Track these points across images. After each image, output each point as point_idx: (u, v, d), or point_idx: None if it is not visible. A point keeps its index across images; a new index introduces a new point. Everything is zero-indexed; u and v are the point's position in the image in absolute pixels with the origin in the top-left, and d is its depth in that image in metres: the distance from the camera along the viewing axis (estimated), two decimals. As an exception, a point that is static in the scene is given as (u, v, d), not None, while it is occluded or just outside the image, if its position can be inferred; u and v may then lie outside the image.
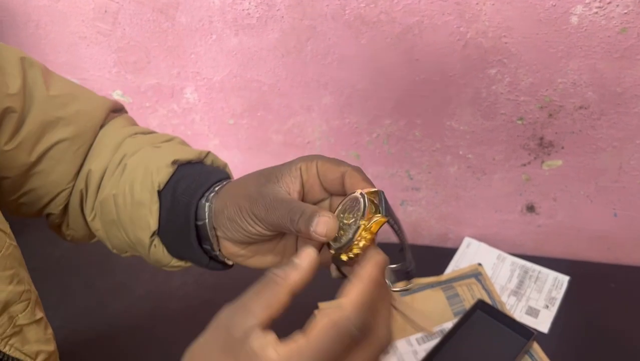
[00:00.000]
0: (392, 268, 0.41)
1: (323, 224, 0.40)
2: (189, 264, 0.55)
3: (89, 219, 0.58)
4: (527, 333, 0.82)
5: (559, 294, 0.91)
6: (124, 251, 0.59)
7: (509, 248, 1.00)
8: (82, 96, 0.59)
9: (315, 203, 0.47)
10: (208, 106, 0.99)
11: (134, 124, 0.62)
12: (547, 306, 0.90)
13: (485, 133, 0.89)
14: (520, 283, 0.94)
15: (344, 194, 0.44)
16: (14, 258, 0.48)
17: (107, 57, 0.97)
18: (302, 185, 0.45)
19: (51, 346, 0.50)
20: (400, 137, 0.93)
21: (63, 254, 1.06)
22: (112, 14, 0.91)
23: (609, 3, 0.72)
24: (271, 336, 0.35)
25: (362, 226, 0.39)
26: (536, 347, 0.83)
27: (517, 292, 0.92)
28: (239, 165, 1.04)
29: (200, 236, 0.50)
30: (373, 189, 0.42)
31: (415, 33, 0.81)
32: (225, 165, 0.57)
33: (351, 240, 0.39)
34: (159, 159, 0.53)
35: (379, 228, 0.40)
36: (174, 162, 0.53)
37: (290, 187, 0.45)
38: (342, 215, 0.42)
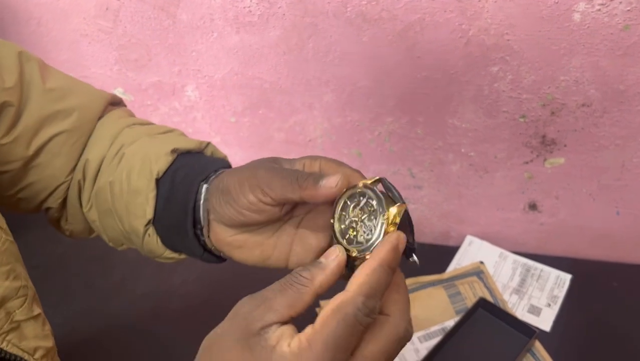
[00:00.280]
0: None
1: (334, 178, 0.40)
2: (182, 256, 0.54)
3: (85, 210, 0.58)
4: (529, 332, 0.82)
5: (561, 293, 0.91)
6: (119, 244, 0.59)
7: (511, 246, 1.00)
8: (79, 89, 0.59)
9: None
10: (209, 104, 0.99)
11: (132, 116, 0.62)
12: (549, 305, 0.90)
13: (487, 131, 0.88)
14: (522, 282, 0.93)
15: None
16: (11, 254, 0.47)
17: (109, 54, 0.97)
18: None
19: (49, 342, 0.49)
20: (402, 135, 0.93)
21: (64, 253, 1.06)
22: (114, 12, 0.91)
23: (612, 0, 0.72)
24: (288, 330, 0.35)
25: (386, 223, 0.38)
26: (538, 345, 0.83)
27: (519, 290, 0.92)
28: (240, 163, 1.03)
29: (195, 221, 0.50)
30: (373, 179, 0.41)
31: (417, 30, 0.80)
32: (225, 157, 0.56)
33: (377, 239, 0.38)
34: (158, 147, 0.53)
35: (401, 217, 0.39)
36: (173, 150, 0.52)
37: None
38: (343, 213, 0.41)
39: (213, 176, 0.50)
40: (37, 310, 0.49)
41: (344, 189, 0.41)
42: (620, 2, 0.71)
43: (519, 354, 0.80)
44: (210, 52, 0.92)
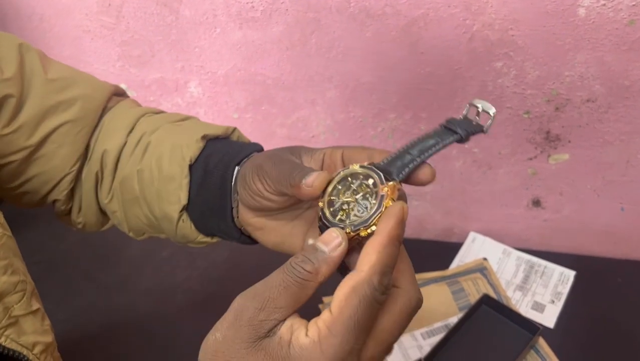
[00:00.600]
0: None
1: (311, 178, 0.39)
2: (215, 240, 0.54)
3: (105, 201, 0.57)
4: (532, 328, 0.82)
5: (565, 289, 0.91)
6: (140, 233, 0.59)
7: (514, 242, 0.99)
8: (82, 79, 0.58)
9: None
10: (212, 100, 0.99)
11: (140, 105, 0.62)
12: (553, 301, 0.89)
13: (491, 127, 0.88)
14: (526, 278, 0.93)
15: None
16: (8, 248, 0.47)
17: (111, 50, 0.97)
18: (322, 168, 0.44)
19: (49, 338, 0.49)
20: (405, 131, 0.92)
21: (67, 249, 1.06)
22: (116, 8, 0.91)
23: (617, -5, 0.71)
24: (296, 319, 0.34)
25: (387, 194, 0.37)
26: (542, 342, 0.82)
27: (522, 287, 0.92)
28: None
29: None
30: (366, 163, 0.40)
31: (421, 26, 0.80)
32: (250, 142, 0.56)
33: (377, 210, 0.37)
34: (186, 134, 0.53)
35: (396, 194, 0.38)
36: (203, 137, 0.52)
37: (309, 165, 0.44)
38: (333, 198, 0.39)
39: (246, 160, 0.50)
40: (36, 305, 0.49)
41: (338, 173, 0.40)
42: (626, -3, 0.71)
43: (523, 351, 0.80)
44: (213, 48, 0.92)
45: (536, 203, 0.96)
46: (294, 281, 0.34)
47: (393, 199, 0.37)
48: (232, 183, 0.49)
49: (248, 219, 0.49)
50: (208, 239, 0.54)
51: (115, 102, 0.60)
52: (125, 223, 0.58)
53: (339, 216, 0.38)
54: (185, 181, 0.51)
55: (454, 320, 0.86)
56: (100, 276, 1.01)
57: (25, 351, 0.45)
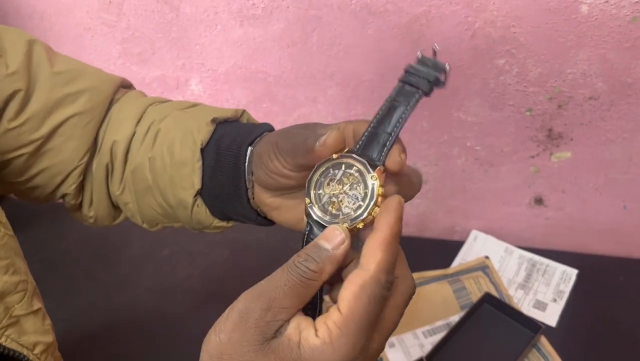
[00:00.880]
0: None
1: (327, 134, 0.38)
2: (230, 224, 0.54)
3: (117, 193, 0.57)
4: (534, 327, 0.81)
5: (567, 288, 0.91)
6: (154, 224, 0.59)
7: (516, 240, 0.99)
8: (88, 72, 0.58)
9: None
10: (213, 98, 0.98)
11: (146, 96, 0.62)
12: (555, 300, 0.89)
13: (493, 125, 0.88)
14: (528, 276, 0.93)
15: None
16: (9, 248, 0.47)
17: (112, 48, 0.97)
18: None
19: (49, 337, 0.49)
20: (406, 129, 0.91)
21: (68, 248, 1.06)
22: (117, 5, 0.91)
23: (620, -9, 0.71)
24: (302, 318, 0.34)
25: (377, 183, 0.36)
26: (544, 341, 0.82)
27: (524, 285, 0.92)
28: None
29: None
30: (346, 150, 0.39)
31: (423, 23, 0.80)
32: (260, 122, 0.56)
33: (371, 200, 0.36)
34: (196, 119, 0.53)
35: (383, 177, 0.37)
36: (213, 120, 0.52)
37: None
38: (318, 192, 0.38)
39: (258, 139, 0.49)
40: (37, 305, 0.48)
41: (317, 166, 0.39)
42: (629, -6, 0.71)
43: (525, 349, 0.79)
44: (214, 46, 0.91)
45: (538, 201, 0.95)
46: (299, 280, 0.34)
47: (382, 186, 0.37)
48: (246, 164, 0.49)
49: (264, 199, 0.48)
50: (224, 223, 0.54)
51: (122, 94, 0.60)
52: (138, 214, 0.58)
53: (330, 210, 0.38)
54: (198, 165, 0.51)
55: (455, 318, 0.86)
56: (100, 275, 1.01)
57: (25, 351, 0.45)
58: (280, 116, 0.97)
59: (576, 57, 0.78)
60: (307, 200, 0.38)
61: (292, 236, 0.49)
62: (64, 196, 0.59)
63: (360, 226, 0.36)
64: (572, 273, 0.93)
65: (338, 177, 0.38)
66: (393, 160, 0.38)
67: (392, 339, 0.84)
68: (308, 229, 0.38)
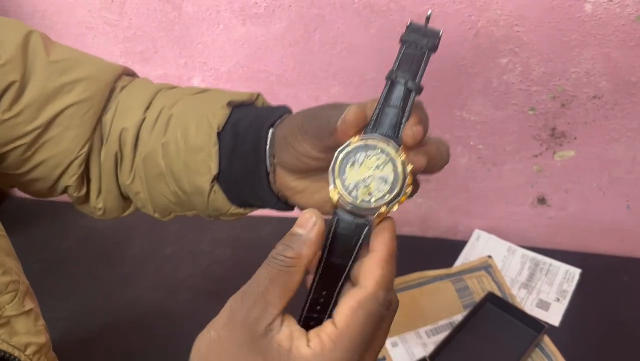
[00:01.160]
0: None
1: (346, 110, 0.37)
2: (247, 210, 0.53)
3: (127, 182, 0.56)
4: (537, 327, 0.81)
5: (571, 287, 0.90)
6: (167, 213, 0.58)
7: (519, 240, 0.99)
8: (86, 60, 0.57)
9: None
10: (215, 97, 0.98)
11: (154, 83, 0.61)
12: (558, 299, 0.89)
13: (496, 124, 0.87)
14: (531, 276, 0.93)
15: None
16: (0, 248, 0.47)
17: (114, 47, 0.96)
18: None
19: (42, 338, 0.48)
20: (409, 128, 0.92)
21: (69, 247, 1.06)
22: (119, 4, 0.91)
23: (625, -10, 0.71)
24: (296, 328, 0.34)
25: (403, 158, 0.35)
26: (547, 340, 0.82)
27: (527, 285, 0.91)
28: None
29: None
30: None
31: (426, 21, 0.79)
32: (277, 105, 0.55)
33: (404, 178, 0.35)
34: (210, 103, 0.52)
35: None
36: (229, 103, 0.51)
37: None
38: (343, 178, 0.36)
39: (279, 121, 0.48)
40: (29, 305, 0.48)
41: (338, 152, 0.37)
42: (633, -8, 0.70)
43: (528, 349, 0.79)
44: (216, 44, 0.91)
45: (541, 200, 0.95)
46: (279, 270, 0.34)
47: (407, 163, 0.36)
48: (267, 147, 0.47)
49: (288, 182, 0.47)
50: (241, 210, 0.53)
51: (127, 81, 0.58)
52: (150, 203, 0.57)
53: (360, 197, 0.36)
54: (214, 150, 0.49)
55: (458, 318, 0.85)
56: (102, 274, 1.00)
57: (16, 353, 0.45)
58: (283, 115, 0.97)
59: (580, 56, 0.77)
60: (334, 189, 0.36)
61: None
62: (66, 188, 0.58)
63: (395, 208, 0.35)
64: (576, 272, 0.92)
65: (361, 160, 0.36)
66: (407, 133, 0.37)
67: (395, 338, 0.83)
68: (336, 220, 0.36)
